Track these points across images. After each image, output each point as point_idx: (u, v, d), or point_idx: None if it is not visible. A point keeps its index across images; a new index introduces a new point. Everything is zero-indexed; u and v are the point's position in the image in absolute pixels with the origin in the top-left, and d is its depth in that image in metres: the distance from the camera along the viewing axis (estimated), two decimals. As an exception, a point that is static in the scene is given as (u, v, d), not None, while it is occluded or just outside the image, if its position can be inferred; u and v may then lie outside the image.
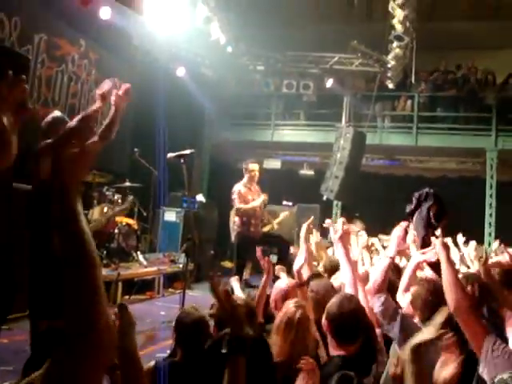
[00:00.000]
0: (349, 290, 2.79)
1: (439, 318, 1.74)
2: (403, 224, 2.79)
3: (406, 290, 2.75)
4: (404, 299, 2.78)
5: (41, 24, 5.90)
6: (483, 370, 1.77)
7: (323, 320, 2.42)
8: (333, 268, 3.88)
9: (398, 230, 2.77)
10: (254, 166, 6.69)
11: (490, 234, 9.44)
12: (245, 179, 6.70)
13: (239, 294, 3.48)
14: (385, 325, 2.54)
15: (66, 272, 1.01)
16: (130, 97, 3.26)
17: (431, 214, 3.08)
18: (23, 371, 3.27)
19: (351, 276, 2.86)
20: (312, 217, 5.16)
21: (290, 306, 2.48)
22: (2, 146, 1.06)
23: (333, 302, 2.43)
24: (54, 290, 3.38)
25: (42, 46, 6.08)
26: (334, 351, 2.36)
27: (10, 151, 1.07)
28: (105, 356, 1.02)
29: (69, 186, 1.05)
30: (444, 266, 2.09)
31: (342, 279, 2.97)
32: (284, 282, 3.21)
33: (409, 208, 3.21)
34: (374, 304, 2.56)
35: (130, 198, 6.77)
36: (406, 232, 2.78)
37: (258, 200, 6.66)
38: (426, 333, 1.72)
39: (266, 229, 7.45)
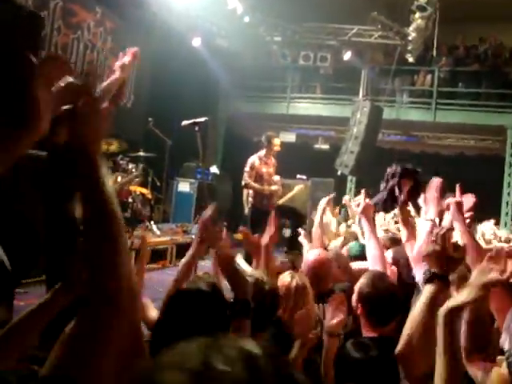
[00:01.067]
0: (376, 266, 2.63)
1: (479, 277, 1.57)
2: (435, 182, 2.47)
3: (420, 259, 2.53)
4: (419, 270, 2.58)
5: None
6: (505, 340, 1.68)
7: (354, 302, 2.31)
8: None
9: (432, 189, 2.45)
10: (277, 141, 6.58)
11: (506, 214, 9.32)
12: (263, 152, 6.61)
13: (246, 268, 3.46)
14: None
15: (91, 235, 1.02)
16: (138, 60, 3.23)
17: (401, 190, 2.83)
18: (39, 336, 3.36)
19: (378, 251, 2.71)
20: (332, 194, 5.14)
21: (285, 276, 2.45)
22: (32, 116, 1.07)
23: (364, 282, 2.31)
24: (70, 254, 3.45)
25: (57, 12, 6.05)
26: (369, 333, 2.25)
27: (38, 124, 1.08)
28: (129, 317, 1.03)
29: (93, 151, 1.05)
30: (461, 230, 2.01)
31: (368, 254, 2.83)
32: (313, 253, 3.10)
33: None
34: (416, 273, 2.32)
35: (140, 166, 6.80)
36: (442, 190, 2.53)
37: (270, 187, 6.63)
38: (466, 294, 1.56)
39: (280, 201, 7.45)
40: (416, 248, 2.42)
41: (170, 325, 1.64)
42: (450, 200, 2.28)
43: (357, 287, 2.32)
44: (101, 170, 1.04)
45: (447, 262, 1.76)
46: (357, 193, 7.64)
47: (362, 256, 3.87)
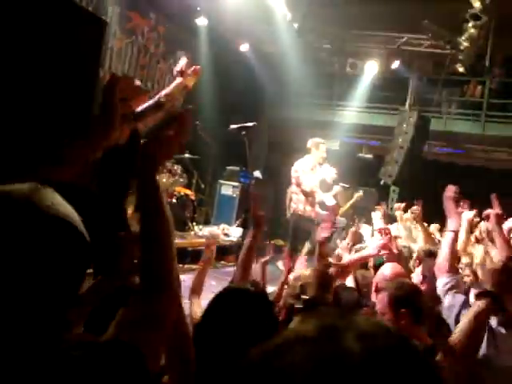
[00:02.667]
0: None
1: None
2: (450, 192, 2.54)
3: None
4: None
5: (114, -2, 6.12)
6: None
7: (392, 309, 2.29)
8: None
9: (448, 202, 2.52)
10: (323, 147, 6.55)
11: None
12: (309, 157, 6.61)
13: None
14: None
15: (148, 240, 1.18)
16: (199, 77, 3.41)
17: None
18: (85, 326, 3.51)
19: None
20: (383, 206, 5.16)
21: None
22: (110, 123, 1.24)
23: (400, 289, 2.30)
24: (118, 252, 3.60)
25: (114, 18, 6.29)
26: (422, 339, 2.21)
27: (113, 131, 1.26)
28: (178, 302, 1.22)
29: (157, 167, 1.23)
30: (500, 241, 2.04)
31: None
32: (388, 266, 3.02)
33: None
34: (438, 283, 2.39)
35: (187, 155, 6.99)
36: (457, 199, 2.56)
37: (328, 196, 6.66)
38: None
39: (342, 210, 7.53)
40: (440, 259, 2.44)
41: (213, 322, 1.67)
42: (490, 211, 2.30)
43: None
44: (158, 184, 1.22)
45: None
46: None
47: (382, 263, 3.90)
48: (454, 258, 2.47)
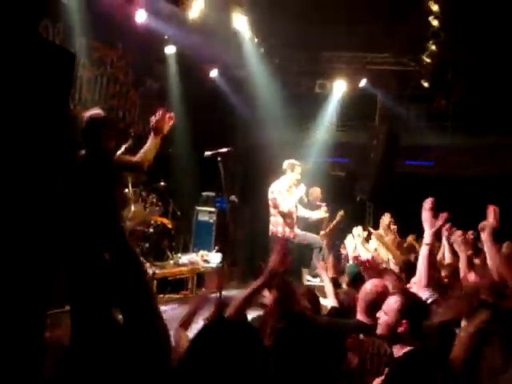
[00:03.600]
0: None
1: None
2: (428, 204, 2.62)
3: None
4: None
5: (81, 29, 6.08)
6: None
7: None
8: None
9: (424, 214, 2.61)
10: (299, 169, 6.62)
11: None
12: (284, 179, 6.64)
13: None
14: None
15: (126, 281, 1.29)
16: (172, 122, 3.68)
17: None
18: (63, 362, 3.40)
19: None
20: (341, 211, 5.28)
21: None
22: None
23: (398, 301, 2.33)
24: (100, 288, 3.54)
25: (82, 49, 6.24)
26: (404, 348, 2.27)
27: None
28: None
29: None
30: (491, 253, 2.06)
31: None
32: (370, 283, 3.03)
33: None
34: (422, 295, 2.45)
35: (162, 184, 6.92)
36: (433, 210, 2.60)
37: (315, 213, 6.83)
38: None
39: (326, 231, 7.61)
40: (417, 273, 2.47)
41: (198, 357, 1.56)
42: (486, 224, 2.32)
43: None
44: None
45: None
46: (376, 218, 7.58)
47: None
48: (431, 271, 2.49)
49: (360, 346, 2.20)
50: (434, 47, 8.08)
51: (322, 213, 7.11)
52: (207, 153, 5.06)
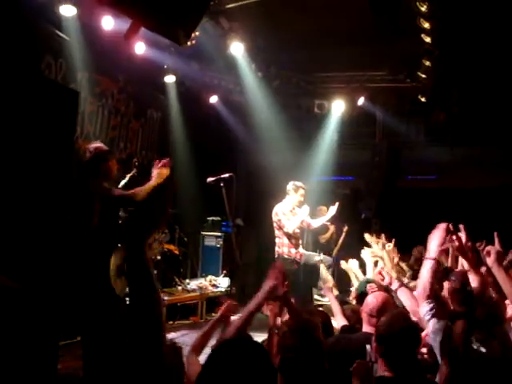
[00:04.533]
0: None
1: None
2: (443, 225, 2.70)
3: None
4: None
5: (82, 63, 6.22)
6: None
7: (373, 341, 2.39)
8: None
9: (437, 232, 2.67)
10: (302, 191, 6.66)
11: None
12: (288, 201, 6.69)
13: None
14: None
15: (142, 313, 1.44)
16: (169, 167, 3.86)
17: None
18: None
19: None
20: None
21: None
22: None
23: (382, 321, 2.40)
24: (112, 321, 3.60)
25: (83, 84, 6.38)
26: (381, 372, 2.31)
27: None
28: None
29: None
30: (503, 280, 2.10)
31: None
32: (374, 296, 3.18)
33: None
34: (422, 309, 2.50)
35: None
36: (447, 232, 2.68)
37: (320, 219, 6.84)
38: None
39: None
40: (419, 287, 2.52)
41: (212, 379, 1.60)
42: (491, 248, 2.36)
43: (377, 326, 2.43)
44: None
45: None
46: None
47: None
48: (433, 283, 2.54)
49: (366, 370, 2.22)
50: (428, 63, 8.18)
51: (333, 209, 6.98)
52: (209, 179, 5.14)
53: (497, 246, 2.45)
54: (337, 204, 6.88)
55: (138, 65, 7.01)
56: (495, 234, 2.51)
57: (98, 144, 4.24)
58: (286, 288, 2.69)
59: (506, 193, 9.88)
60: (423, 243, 6.37)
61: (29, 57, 5.07)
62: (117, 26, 5.87)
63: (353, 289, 5.52)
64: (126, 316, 3.47)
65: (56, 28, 5.82)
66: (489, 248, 2.40)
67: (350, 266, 5.51)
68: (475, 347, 2.15)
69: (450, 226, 2.71)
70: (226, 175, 5.04)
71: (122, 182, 6.41)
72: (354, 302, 4.35)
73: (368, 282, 4.31)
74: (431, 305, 2.41)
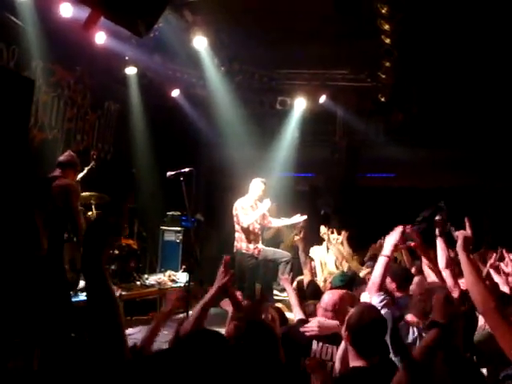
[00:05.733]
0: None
1: None
2: (400, 228, 2.89)
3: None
4: None
5: (37, 52, 6.01)
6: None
7: (343, 330, 2.48)
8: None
9: (394, 233, 2.85)
10: (263, 186, 6.70)
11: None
12: (249, 196, 6.70)
13: None
14: None
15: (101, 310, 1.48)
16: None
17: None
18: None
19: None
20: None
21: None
22: None
23: (353, 312, 2.50)
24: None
25: (38, 73, 6.17)
26: (353, 362, 2.40)
27: None
28: None
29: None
30: (464, 267, 2.14)
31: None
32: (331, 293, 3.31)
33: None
34: (373, 301, 2.61)
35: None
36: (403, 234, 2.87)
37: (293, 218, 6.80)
38: None
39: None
40: (372, 280, 2.68)
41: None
42: (460, 233, 2.42)
43: (347, 317, 2.51)
44: None
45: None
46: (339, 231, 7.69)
47: (345, 286, 4.08)
48: (385, 278, 2.74)
49: (321, 366, 2.28)
50: (388, 64, 8.34)
51: (298, 217, 7.06)
52: (169, 173, 5.09)
53: (467, 231, 2.52)
54: (304, 217, 6.95)
55: (97, 55, 6.83)
56: (466, 219, 2.59)
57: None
58: (227, 281, 2.74)
59: (461, 193, 10.23)
60: (376, 241, 6.56)
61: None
62: (76, 14, 5.66)
63: (319, 279, 5.61)
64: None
65: (9, 13, 5.59)
66: (458, 233, 2.47)
67: (317, 253, 5.61)
68: None
69: (407, 228, 2.89)
70: (186, 169, 5.00)
71: (80, 175, 6.28)
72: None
73: (342, 275, 4.44)
74: (381, 297, 2.54)
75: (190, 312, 4.02)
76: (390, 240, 2.81)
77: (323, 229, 6.38)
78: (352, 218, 9.77)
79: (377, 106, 10.10)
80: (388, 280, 3.73)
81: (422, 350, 1.89)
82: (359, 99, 10.57)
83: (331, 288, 4.22)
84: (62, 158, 5.18)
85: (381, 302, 2.54)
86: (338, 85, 9.23)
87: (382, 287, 2.63)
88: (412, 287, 3.86)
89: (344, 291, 3.39)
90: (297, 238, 5.88)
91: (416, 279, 3.90)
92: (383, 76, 8.69)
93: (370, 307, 2.51)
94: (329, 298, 3.21)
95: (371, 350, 2.35)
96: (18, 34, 5.70)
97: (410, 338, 2.53)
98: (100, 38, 6.59)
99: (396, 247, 2.81)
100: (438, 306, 2.08)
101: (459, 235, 2.38)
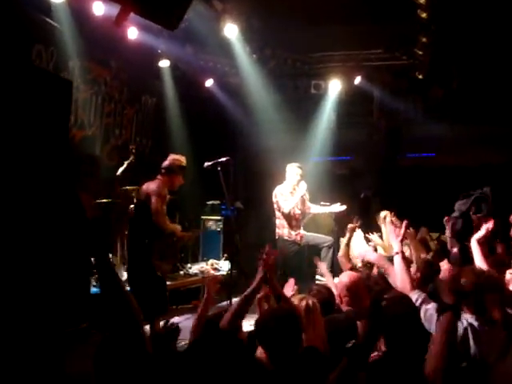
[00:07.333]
0: None
1: None
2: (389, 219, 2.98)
3: None
4: None
5: (73, 51, 6.15)
6: None
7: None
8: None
9: (389, 228, 2.90)
10: (299, 171, 6.67)
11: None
12: (287, 183, 6.69)
13: None
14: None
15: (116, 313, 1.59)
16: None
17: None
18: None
19: None
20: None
21: (295, 301, 2.68)
22: None
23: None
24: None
25: (75, 72, 6.32)
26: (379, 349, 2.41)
27: None
28: None
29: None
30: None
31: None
32: (346, 275, 3.31)
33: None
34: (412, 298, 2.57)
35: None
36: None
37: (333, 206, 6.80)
38: None
39: None
40: (399, 282, 2.71)
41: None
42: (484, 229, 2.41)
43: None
44: None
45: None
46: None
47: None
48: (410, 275, 2.74)
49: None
50: (424, 39, 8.09)
51: (338, 206, 7.00)
52: (206, 163, 5.14)
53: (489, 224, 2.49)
54: (344, 207, 6.87)
55: (130, 50, 6.93)
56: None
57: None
58: (269, 270, 2.74)
59: (506, 170, 9.87)
60: (423, 222, 6.41)
61: (19, 46, 5.01)
62: (108, 11, 5.76)
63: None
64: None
65: (45, 15, 5.74)
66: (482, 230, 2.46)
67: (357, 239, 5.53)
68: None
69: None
70: (223, 159, 5.02)
71: (121, 169, 6.42)
72: None
73: None
74: (417, 295, 2.50)
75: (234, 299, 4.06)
76: (393, 237, 2.90)
77: (384, 213, 6.13)
78: (393, 200, 9.59)
79: (414, 83, 9.83)
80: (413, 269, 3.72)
81: (440, 336, 1.87)
82: (395, 78, 10.30)
83: None
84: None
85: (416, 300, 2.51)
86: (372, 65, 9.02)
87: (413, 284, 2.58)
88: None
89: (356, 274, 3.48)
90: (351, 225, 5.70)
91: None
92: (420, 52, 8.44)
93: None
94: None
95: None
96: (55, 35, 5.84)
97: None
98: (132, 33, 6.68)
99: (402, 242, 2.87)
100: (442, 287, 2.10)
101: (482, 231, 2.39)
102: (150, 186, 4.96)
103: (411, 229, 3.96)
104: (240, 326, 2.75)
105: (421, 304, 2.46)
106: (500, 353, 1.88)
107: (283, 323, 2.16)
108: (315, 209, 6.99)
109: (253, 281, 2.76)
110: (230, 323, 2.38)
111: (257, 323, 2.27)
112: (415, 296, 2.50)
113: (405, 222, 2.91)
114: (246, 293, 2.62)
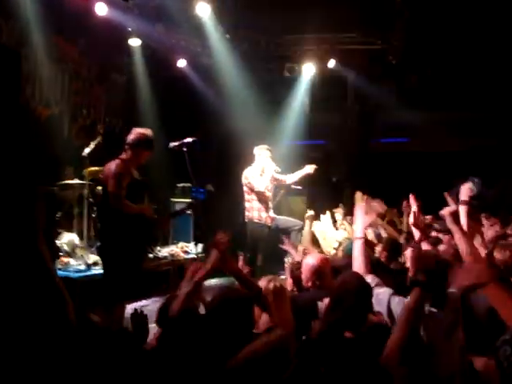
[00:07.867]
0: None
1: None
2: (361, 206, 3.01)
3: None
4: None
5: (38, 26, 5.93)
6: None
7: None
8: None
9: (358, 211, 2.96)
10: (268, 152, 6.64)
11: None
12: (256, 164, 6.66)
13: None
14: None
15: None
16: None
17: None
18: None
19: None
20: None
21: (263, 282, 2.68)
22: None
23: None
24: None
25: (40, 47, 6.11)
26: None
27: None
28: None
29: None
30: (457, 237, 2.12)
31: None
32: (313, 257, 3.30)
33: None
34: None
35: None
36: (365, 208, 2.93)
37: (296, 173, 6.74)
38: None
39: None
40: (356, 265, 2.77)
41: None
42: (444, 211, 2.38)
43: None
44: None
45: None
46: (353, 199, 7.61)
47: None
48: (368, 259, 2.81)
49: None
50: (399, 24, 8.08)
51: (309, 168, 7.00)
52: (172, 144, 5.03)
53: (451, 206, 2.47)
54: (314, 166, 6.88)
55: (99, 27, 6.74)
56: (445, 194, 2.55)
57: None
58: (222, 252, 2.66)
59: (476, 156, 10.01)
60: (394, 206, 6.45)
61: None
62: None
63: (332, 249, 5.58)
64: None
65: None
66: (442, 212, 2.42)
67: (323, 225, 5.55)
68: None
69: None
70: (189, 140, 4.93)
71: (87, 150, 6.26)
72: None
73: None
74: (372, 278, 2.56)
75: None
76: (359, 221, 2.91)
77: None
78: (365, 185, 9.65)
79: (388, 69, 9.84)
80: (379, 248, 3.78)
81: (406, 314, 1.84)
82: (370, 63, 10.29)
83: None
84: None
85: (370, 284, 2.54)
86: (347, 48, 8.98)
87: (367, 268, 2.64)
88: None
89: (321, 255, 3.50)
90: (309, 213, 5.75)
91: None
92: (394, 37, 8.43)
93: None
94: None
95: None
96: (17, 8, 5.62)
97: None
98: (101, 9, 6.48)
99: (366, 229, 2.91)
100: (411, 263, 2.09)
101: (445, 213, 2.36)
102: (108, 167, 4.61)
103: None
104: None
105: (375, 286, 2.50)
106: (445, 334, 1.88)
107: (234, 308, 2.13)
108: (291, 177, 6.95)
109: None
110: (182, 308, 2.33)
111: (207, 307, 2.24)
112: (369, 279, 2.53)
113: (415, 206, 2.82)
114: (196, 278, 2.55)
